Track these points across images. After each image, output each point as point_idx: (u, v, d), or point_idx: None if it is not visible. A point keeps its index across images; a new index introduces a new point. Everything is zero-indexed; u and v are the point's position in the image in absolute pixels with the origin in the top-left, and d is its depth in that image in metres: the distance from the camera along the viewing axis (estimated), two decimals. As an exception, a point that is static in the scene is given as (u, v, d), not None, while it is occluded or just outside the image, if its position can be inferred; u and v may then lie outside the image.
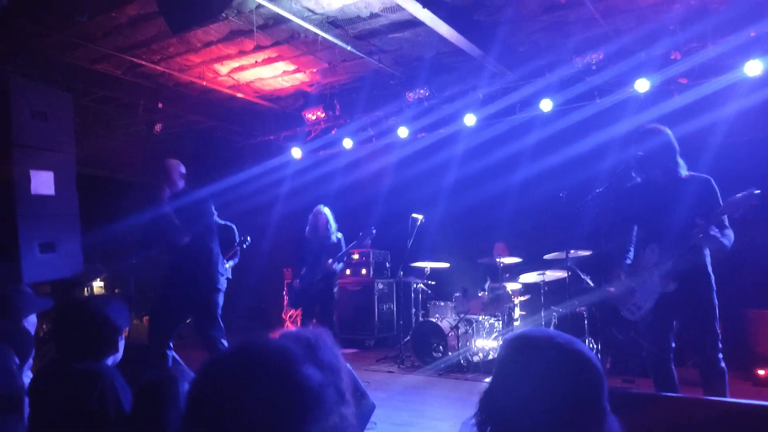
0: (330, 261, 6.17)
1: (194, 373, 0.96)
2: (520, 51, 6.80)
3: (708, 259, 3.41)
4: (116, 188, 10.32)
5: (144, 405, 1.72)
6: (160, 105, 7.90)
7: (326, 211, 6.40)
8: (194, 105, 8.54)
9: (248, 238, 6.02)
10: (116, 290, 10.26)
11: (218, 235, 6.00)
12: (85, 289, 9.93)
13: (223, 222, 6.14)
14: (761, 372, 5.54)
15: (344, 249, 6.33)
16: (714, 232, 3.17)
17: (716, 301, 3.33)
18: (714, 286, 3.37)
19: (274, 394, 0.88)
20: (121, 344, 2.21)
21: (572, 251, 5.84)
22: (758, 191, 3.08)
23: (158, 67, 7.20)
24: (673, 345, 3.44)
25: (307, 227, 6.46)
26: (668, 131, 3.48)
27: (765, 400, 2.20)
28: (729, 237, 3.26)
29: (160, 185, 4.42)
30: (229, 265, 5.92)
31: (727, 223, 3.28)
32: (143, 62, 7.01)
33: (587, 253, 6.01)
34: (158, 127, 8.24)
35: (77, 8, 5.48)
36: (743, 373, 5.68)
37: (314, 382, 0.91)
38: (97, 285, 10.38)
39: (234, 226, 6.07)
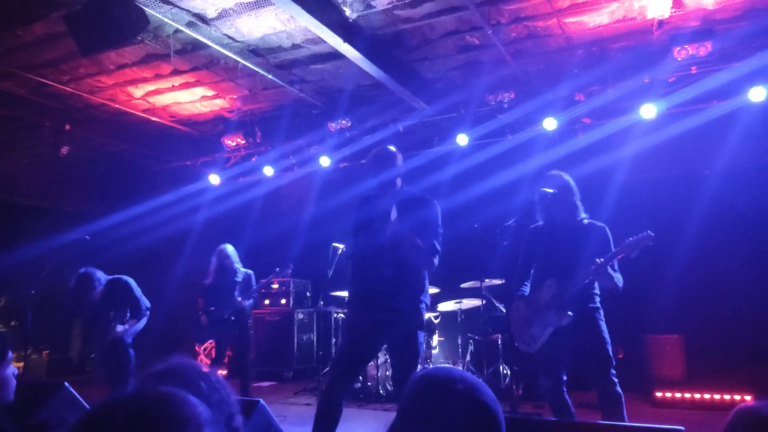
0: (239, 298, 6.05)
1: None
2: (437, 87, 7.05)
3: (597, 293, 3.63)
4: (18, 213, 9.66)
5: None
6: (67, 127, 7.52)
7: (230, 249, 6.31)
8: (105, 127, 8.19)
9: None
10: (12, 323, 9.51)
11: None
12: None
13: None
14: (659, 394, 5.89)
15: (254, 284, 6.24)
16: (610, 271, 3.40)
17: (606, 330, 3.53)
18: (602, 317, 3.58)
19: None
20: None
21: (486, 280, 6.04)
22: (653, 233, 3.32)
23: (67, 88, 6.87)
24: (565, 378, 3.60)
25: (211, 267, 6.31)
26: (569, 178, 3.70)
27: (662, 420, 2.35)
28: (620, 279, 3.52)
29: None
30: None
31: (617, 267, 3.53)
32: (50, 82, 6.67)
33: (500, 281, 6.23)
34: (65, 149, 7.82)
35: (-25, 24, 5.17)
36: (642, 396, 6.02)
37: None
38: (-10, 317, 9.58)
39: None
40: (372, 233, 3.46)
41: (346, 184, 8.10)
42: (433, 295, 7.08)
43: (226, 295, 6.13)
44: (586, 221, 3.69)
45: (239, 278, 6.21)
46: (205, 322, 6.13)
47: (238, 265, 6.28)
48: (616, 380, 3.41)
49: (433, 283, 7.05)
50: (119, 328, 5.15)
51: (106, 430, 0.80)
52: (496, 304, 6.49)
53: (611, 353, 3.47)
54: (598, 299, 3.61)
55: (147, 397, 0.86)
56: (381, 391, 6.50)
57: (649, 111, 6.25)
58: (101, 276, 5.24)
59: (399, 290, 3.39)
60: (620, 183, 6.45)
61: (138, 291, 5.35)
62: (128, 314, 5.26)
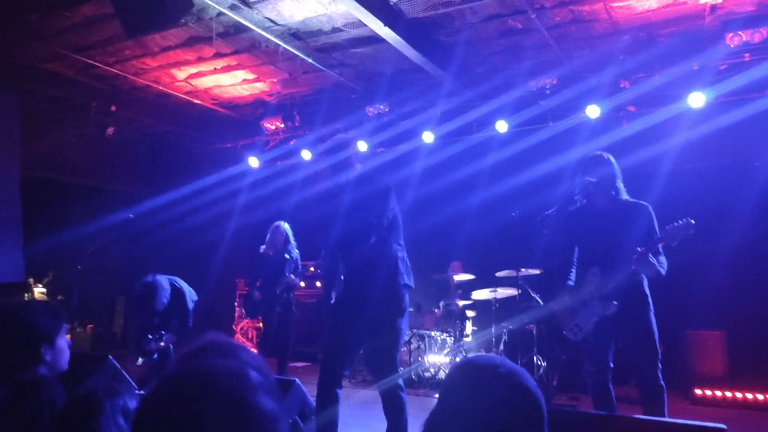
0: (292, 276, 6.01)
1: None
2: (478, 71, 6.94)
3: (645, 281, 3.53)
4: (65, 191, 10.01)
5: (68, 421, 1.65)
6: (113, 108, 7.71)
7: (286, 227, 6.21)
8: (149, 109, 8.37)
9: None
10: (59, 297, 9.89)
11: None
12: (26, 295, 9.54)
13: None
14: (698, 391, 5.75)
15: (300, 266, 6.19)
16: (651, 259, 3.30)
17: (654, 320, 3.45)
18: (651, 305, 3.49)
19: (227, 422, 0.84)
20: (50, 353, 2.06)
21: (523, 269, 5.97)
22: (694, 221, 3.22)
23: (113, 69, 7.03)
24: (612, 366, 3.55)
25: (266, 242, 6.28)
26: (611, 158, 3.62)
27: (702, 418, 2.30)
28: (664, 264, 3.41)
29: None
30: None
31: (661, 251, 3.43)
32: (97, 64, 6.83)
33: (537, 271, 6.15)
34: (111, 130, 8.03)
35: (26, 6, 5.31)
36: (682, 392, 5.88)
37: (270, 413, 0.88)
38: (39, 291, 9.99)
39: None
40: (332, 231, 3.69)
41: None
42: (467, 283, 7.08)
43: (276, 272, 6.05)
44: (627, 199, 3.60)
45: (291, 257, 6.12)
46: (258, 296, 6.07)
47: (293, 243, 6.18)
48: (660, 374, 3.35)
49: (468, 271, 7.07)
50: (153, 345, 5.08)
51: (164, 413, 0.85)
52: (532, 294, 6.42)
53: (658, 346, 3.40)
54: (646, 286, 3.52)
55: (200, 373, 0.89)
56: (413, 377, 6.53)
57: (697, 99, 6.02)
58: (167, 291, 5.08)
59: (368, 284, 3.52)
60: (666, 173, 6.24)
61: (190, 303, 5.25)
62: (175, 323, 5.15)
